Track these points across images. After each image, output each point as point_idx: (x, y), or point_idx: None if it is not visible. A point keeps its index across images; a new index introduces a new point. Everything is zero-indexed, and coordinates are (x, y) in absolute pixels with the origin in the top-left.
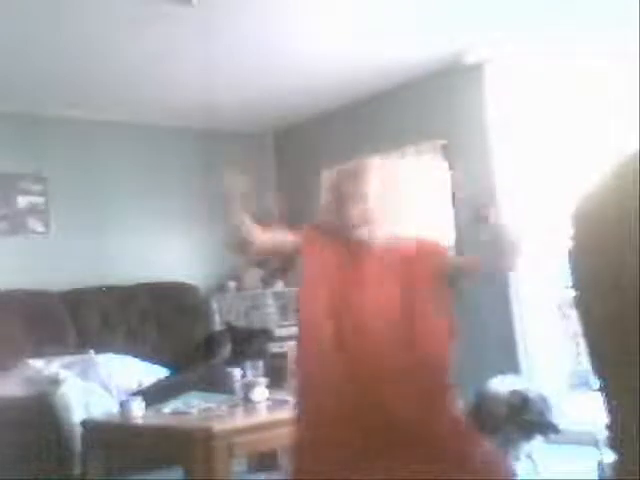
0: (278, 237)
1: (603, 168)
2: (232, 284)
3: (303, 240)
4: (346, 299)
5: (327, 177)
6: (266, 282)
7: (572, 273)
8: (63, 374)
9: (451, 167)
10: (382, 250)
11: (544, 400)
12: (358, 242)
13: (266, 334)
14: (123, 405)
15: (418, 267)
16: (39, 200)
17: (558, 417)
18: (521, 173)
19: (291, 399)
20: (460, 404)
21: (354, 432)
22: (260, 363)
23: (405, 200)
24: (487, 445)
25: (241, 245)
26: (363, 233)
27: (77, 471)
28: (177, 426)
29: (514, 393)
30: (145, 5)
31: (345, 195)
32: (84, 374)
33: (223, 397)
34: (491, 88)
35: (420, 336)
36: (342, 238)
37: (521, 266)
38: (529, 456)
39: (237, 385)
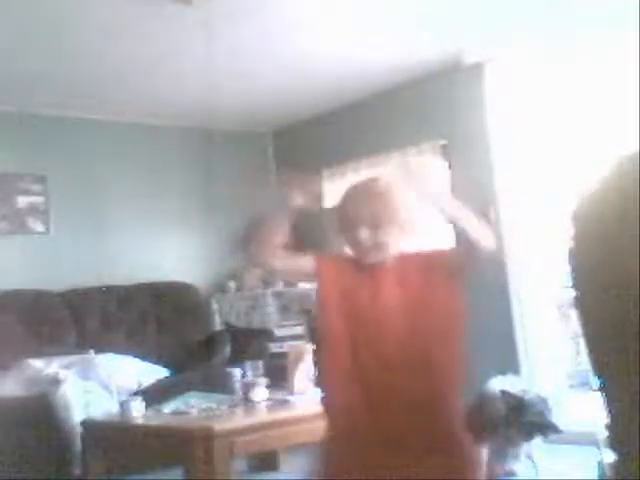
0: (294, 262)
1: (603, 168)
2: (232, 284)
3: (318, 268)
4: (365, 322)
5: (337, 195)
6: (266, 282)
7: (572, 273)
8: (63, 374)
9: (451, 167)
10: (396, 268)
11: (544, 401)
12: (370, 265)
13: (266, 334)
14: (123, 405)
15: (432, 278)
16: (39, 200)
17: (558, 417)
18: (521, 173)
19: (297, 400)
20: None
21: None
22: (260, 363)
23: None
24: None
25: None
26: (374, 256)
27: (77, 471)
28: (177, 426)
29: (507, 395)
30: (145, 5)
31: (355, 218)
32: (84, 374)
33: (223, 397)
34: (491, 88)
35: (440, 357)
36: (354, 263)
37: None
38: (529, 456)
39: (237, 385)
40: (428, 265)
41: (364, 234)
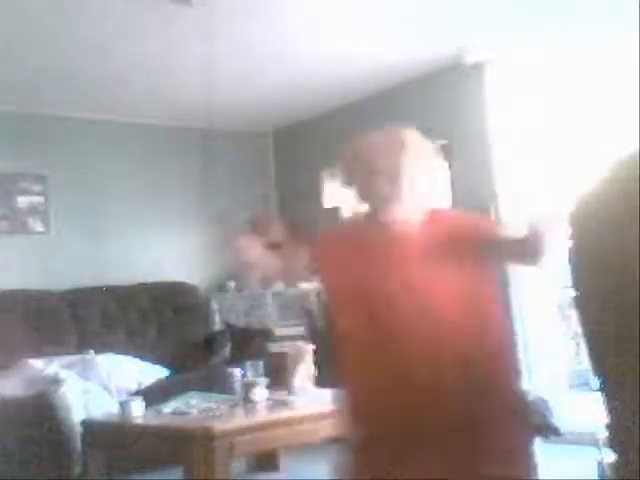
0: (286, 259)
1: (603, 168)
2: (232, 284)
3: (320, 254)
4: (391, 292)
5: (351, 148)
6: (266, 282)
7: (572, 273)
8: (63, 374)
9: (451, 167)
10: (422, 228)
11: (544, 402)
12: (390, 225)
13: (266, 334)
14: (123, 405)
15: (465, 243)
16: (39, 200)
17: (558, 418)
18: (521, 173)
19: (297, 400)
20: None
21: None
22: (260, 363)
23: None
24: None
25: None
26: (395, 213)
27: (77, 471)
28: (177, 426)
29: None
30: (145, 5)
31: (376, 170)
32: (84, 374)
33: (223, 397)
34: (491, 88)
35: (481, 319)
36: (371, 226)
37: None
38: None
39: (237, 385)
40: (462, 235)
41: (382, 183)
